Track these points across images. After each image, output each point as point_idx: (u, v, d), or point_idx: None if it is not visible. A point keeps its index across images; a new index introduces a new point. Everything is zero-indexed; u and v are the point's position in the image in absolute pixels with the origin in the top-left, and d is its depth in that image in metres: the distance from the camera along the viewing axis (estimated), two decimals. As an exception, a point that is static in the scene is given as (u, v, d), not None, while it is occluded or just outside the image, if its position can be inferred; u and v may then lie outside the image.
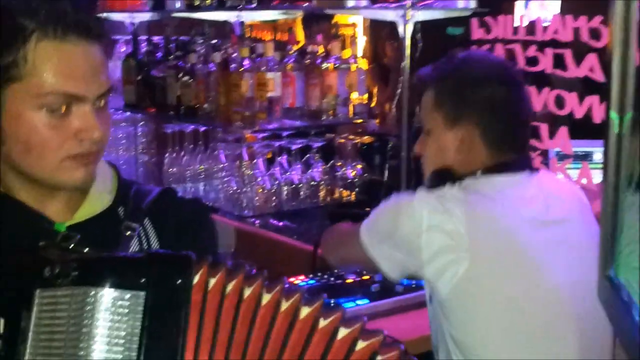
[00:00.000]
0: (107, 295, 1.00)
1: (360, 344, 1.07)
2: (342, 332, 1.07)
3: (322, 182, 3.28)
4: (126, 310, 1.00)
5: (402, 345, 1.09)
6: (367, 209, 3.13)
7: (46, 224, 1.25)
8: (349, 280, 2.42)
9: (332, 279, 2.42)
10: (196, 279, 1.04)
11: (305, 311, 1.07)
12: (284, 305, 1.07)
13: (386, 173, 3.04)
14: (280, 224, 3.22)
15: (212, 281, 1.05)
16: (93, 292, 1.00)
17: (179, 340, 1.01)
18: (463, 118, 1.89)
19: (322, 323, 1.07)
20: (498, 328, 1.77)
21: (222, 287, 1.05)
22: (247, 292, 1.06)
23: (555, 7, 5.09)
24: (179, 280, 1.03)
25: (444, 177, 1.88)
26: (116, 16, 3.99)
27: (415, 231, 1.77)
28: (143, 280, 1.01)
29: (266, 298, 1.07)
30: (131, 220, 1.29)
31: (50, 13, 1.17)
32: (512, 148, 1.92)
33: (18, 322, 1.03)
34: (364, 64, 3.14)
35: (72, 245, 1.09)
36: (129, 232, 1.27)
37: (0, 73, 1.17)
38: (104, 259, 1.08)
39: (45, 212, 1.27)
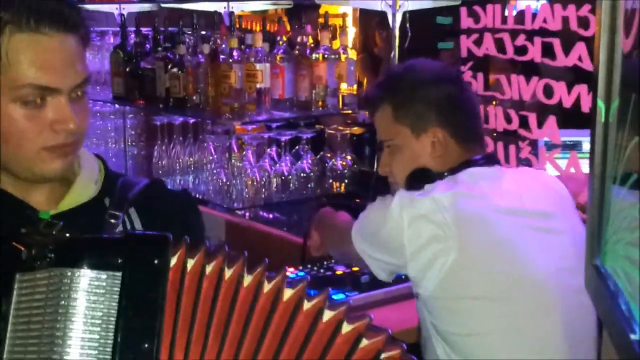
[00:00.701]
0: (83, 275, 1.01)
1: (346, 327, 1.07)
2: (327, 315, 1.07)
3: (312, 173, 3.27)
4: (103, 291, 1.01)
5: (389, 330, 1.08)
6: (357, 200, 3.16)
7: (30, 212, 1.26)
8: (339, 272, 2.41)
9: (321, 270, 2.41)
10: (174, 260, 1.05)
11: (288, 293, 1.07)
12: (266, 287, 1.07)
13: (376, 164, 3.02)
14: (270, 216, 3.21)
15: (191, 262, 1.05)
16: (70, 273, 1.01)
17: (156, 320, 1.01)
18: (429, 122, 1.91)
19: (306, 305, 1.07)
20: (485, 316, 1.77)
21: (200, 268, 1.06)
22: (228, 273, 1.06)
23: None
24: (156, 261, 1.03)
25: (422, 176, 1.89)
26: (105, 7, 3.97)
27: (396, 230, 1.78)
28: (120, 260, 1.02)
29: (247, 280, 1.07)
30: (116, 209, 1.29)
31: (25, 4, 1.16)
32: (477, 142, 1.97)
33: None
34: (353, 55, 3.12)
35: (54, 231, 1.09)
36: (113, 221, 1.27)
37: None
38: (81, 240, 1.08)
39: (29, 202, 1.27)
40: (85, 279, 1.00)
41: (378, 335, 1.07)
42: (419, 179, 1.88)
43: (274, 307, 1.06)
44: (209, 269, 1.06)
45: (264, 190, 3.19)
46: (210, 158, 3.37)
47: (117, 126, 4.08)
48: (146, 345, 1.00)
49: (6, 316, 1.02)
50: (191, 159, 3.48)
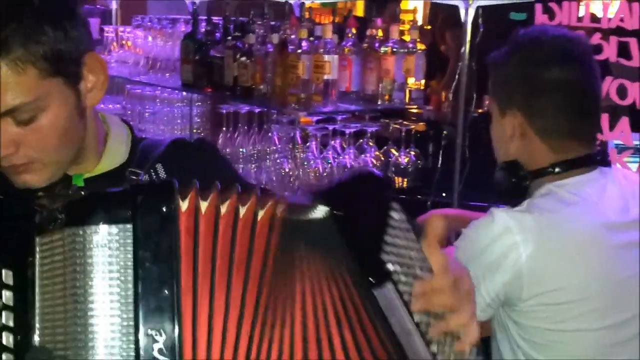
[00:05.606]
0: (95, 232, 1.01)
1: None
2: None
3: (375, 167, 3.25)
4: (117, 245, 1.01)
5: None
6: (419, 196, 3.13)
7: (64, 178, 1.25)
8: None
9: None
10: (185, 204, 1.04)
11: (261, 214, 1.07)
12: (277, 215, 1.07)
13: (440, 160, 3.00)
14: (331, 207, 3.20)
15: (204, 204, 1.05)
16: (81, 232, 1.01)
17: (171, 267, 1.01)
18: (511, 105, 1.78)
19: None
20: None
21: (215, 210, 1.05)
22: (242, 210, 1.06)
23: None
24: (164, 208, 1.03)
25: (511, 172, 1.79)
26: (177, -5, 4.02)
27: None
28: (129, 212, 1.02)
29: (261, 214, 1.07)
30: (137, 167, 1.29)
31: None
32: (576, 141, 1.76)
33: (25, 272, 1.05)
34: (422, 50, 3.10)
35: (70, 192, 1.10)
36: (133, 177, 1.27)
37: None
38: (88, 198, 1.09)
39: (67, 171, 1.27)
40: (97, 235, 1.00)
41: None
42: (509, 173, 1.79)
43: (271, 231, 1.07)
44: (223, 209, 1.06)
45: (326, 181, 3.19)
46: (274, 148, 3.38)
47: (184, 113, 4.13)
48: (166, 292, 1.00)
49: (33, 280, 1.04)
50: (255, 148, 3.50)
